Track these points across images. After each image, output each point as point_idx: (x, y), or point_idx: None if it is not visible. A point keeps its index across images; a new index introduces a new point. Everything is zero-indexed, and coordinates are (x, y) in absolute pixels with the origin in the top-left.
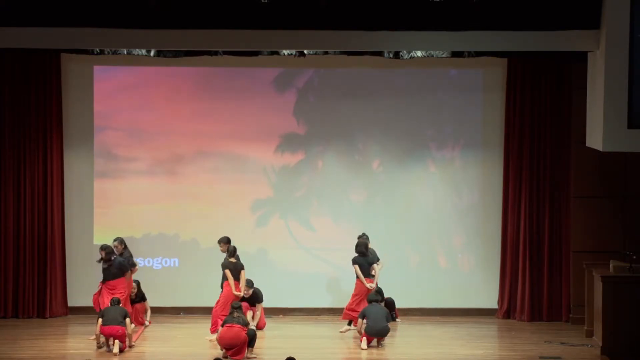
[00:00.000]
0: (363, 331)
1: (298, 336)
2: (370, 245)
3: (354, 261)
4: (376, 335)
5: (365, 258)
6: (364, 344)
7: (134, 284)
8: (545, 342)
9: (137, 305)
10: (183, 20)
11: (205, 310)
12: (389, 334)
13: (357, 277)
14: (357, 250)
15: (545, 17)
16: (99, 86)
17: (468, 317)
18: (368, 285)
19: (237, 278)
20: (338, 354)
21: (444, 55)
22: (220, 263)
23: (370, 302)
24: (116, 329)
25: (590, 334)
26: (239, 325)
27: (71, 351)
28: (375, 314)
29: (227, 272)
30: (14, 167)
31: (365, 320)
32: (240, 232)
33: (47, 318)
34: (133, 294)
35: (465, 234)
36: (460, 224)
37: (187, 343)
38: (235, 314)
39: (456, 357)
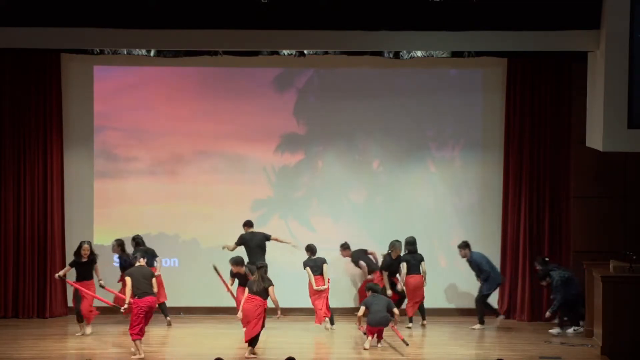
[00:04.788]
0: (365, 323)
1: (298, 336)
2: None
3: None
4: (377, 324)
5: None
6: (367, 344)
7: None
8: (545, 342)
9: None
10: (183, 20)
11: (205, 310)
12: (389, 334)
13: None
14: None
15: (545, 17)
16: (99, 86)
17: (468, 317)
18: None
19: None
20: (338, 354)
21: (444, 55)
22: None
23: (372, 291)
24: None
25: (590, 334)
26: (260, 298)
27: (71, 351)
28: (376, 304)
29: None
30: (14, 167)
31: (366, 311)
32: (240, 232)
33: (47, 318)
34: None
35: (465, 234)
36: (460, 224)
37: (188, 343)
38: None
39: (456, 357)
